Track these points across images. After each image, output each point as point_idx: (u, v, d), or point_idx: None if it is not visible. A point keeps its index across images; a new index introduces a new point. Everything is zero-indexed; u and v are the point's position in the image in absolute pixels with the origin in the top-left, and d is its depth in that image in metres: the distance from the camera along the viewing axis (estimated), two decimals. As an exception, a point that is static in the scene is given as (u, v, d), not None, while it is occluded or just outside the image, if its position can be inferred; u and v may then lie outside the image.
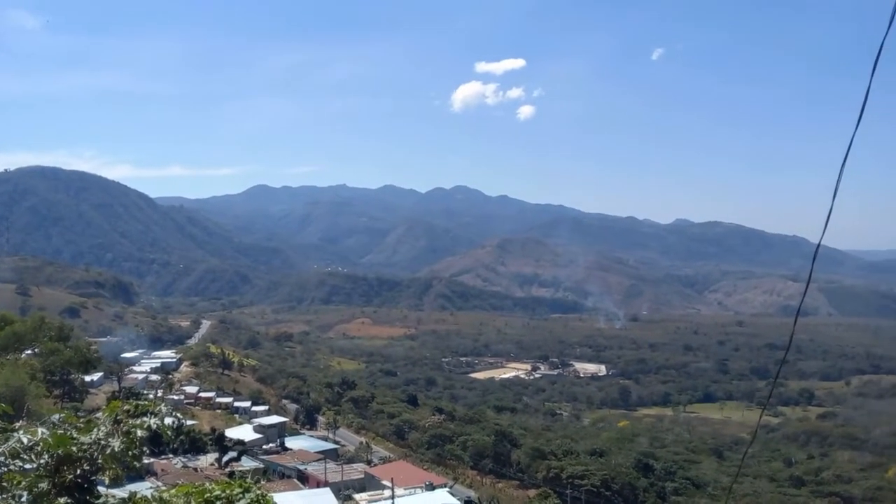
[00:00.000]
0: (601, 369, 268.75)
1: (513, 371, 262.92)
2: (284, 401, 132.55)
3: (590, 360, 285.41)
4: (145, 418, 7.60)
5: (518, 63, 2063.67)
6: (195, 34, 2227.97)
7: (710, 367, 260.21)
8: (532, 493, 78.64)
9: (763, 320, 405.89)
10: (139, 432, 7.39)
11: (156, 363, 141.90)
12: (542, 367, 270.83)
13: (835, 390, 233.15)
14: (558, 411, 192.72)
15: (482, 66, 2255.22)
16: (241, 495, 7.63)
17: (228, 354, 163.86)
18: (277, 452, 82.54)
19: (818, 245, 9.27)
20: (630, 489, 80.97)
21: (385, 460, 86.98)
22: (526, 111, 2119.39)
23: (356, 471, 74.08)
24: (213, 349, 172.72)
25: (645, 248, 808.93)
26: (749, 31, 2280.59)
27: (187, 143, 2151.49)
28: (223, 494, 7.56)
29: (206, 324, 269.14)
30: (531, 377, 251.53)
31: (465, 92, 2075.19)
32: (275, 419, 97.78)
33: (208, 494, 7.55)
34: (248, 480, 8.74)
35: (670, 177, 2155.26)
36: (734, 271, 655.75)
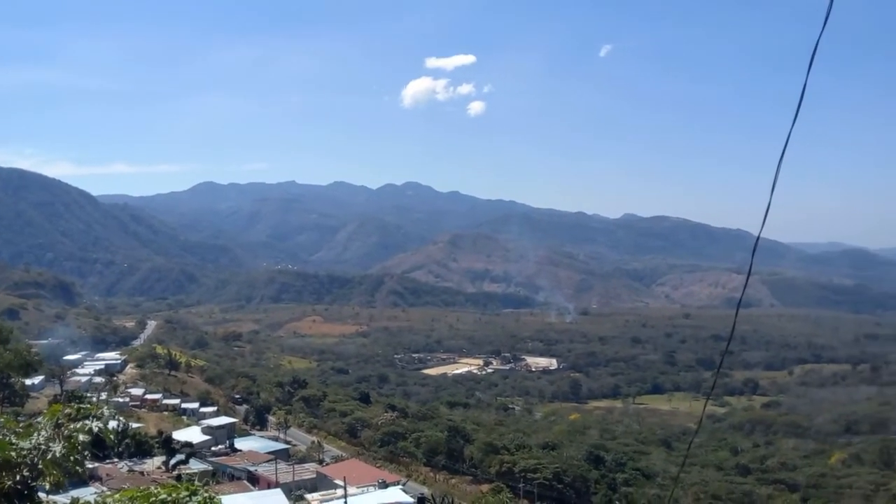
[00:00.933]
0: (552, 363, 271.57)
1: (465, 366, 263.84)
2: (233, 402, 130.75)
3: (541, 355, 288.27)
4: (87, 422, 7.41)
5: (468, 59, 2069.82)
6: (137, 28, 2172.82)
7: (658, 359, 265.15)
8: (485, 487, 79.05)
9: (708, 312, 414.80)
10: (81, 436, 7.20)
11: (99, 365, 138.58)
12: (494, 362, 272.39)
13: (778, 380, 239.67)
14: (511, 406, 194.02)
15: (432, 62, 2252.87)
16: (188, 498, 7.49)
17: (175, 355, 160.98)
18: (227, 454, 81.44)
19: (757, 238, 9.53)
20: (582, 481, 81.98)
21: (337, 459, 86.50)
22: (476, 107, 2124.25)
23: (308, 471, 73.57)
24: (159, 350, 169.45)
25: (594, 242, 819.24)
26: (696, 28, 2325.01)
27: (131, 139, 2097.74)
28: (169, 498, 7.41)
29: (151, 324, 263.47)
30: (483, 372, 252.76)
31: (416, 87, 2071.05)
32: (224, 420, 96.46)
33: (154, 499, 7.39)
34: (196, 483, 8.57)
35: (619, 172, 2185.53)
36: (681, 265, 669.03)
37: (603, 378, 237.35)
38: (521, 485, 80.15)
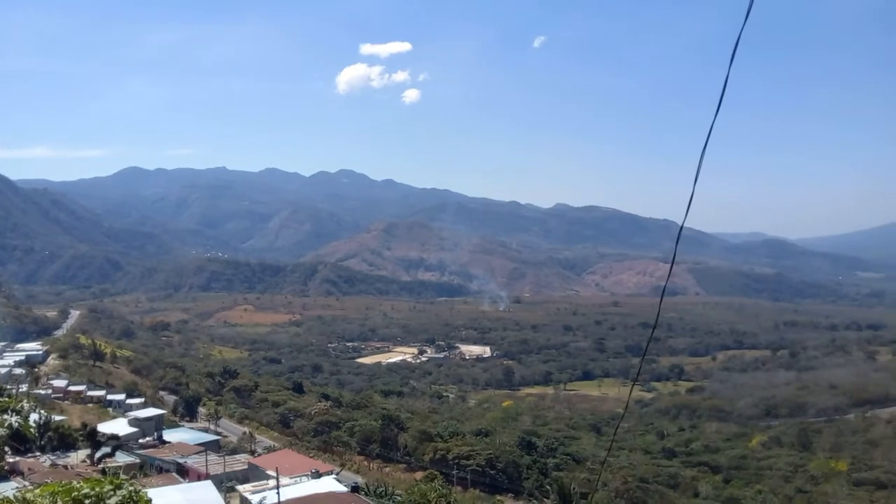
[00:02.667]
0: (486, 351, 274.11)
1: (400, 355, 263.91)
2: (162, 392, 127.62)
3: (475, 343, 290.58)
4: (6, 416, 7.09)
5: (404, 46, 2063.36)
6: (60, 7, 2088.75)
7: (589, 346, 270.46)
8: (419, 475, 79.37)
9: (637, 300, 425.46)
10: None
11: (20, 356, 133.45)
12: (428, 351, 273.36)
13: (702, 365, 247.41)
14: (445, 393, 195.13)
15: (367, 49, 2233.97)
16: (112, 492, 7.26)
17: (100, 345, 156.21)
18: (155, 446, 79.44)
19: (681, 229, 9.80)
20: (514, 467, 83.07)
21: (269, 450, 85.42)
22: (412, 95, 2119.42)
23: (239, 462, 72.34)
24: (83, 340, 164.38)
25: (527, 231, 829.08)
26: (628, 22, 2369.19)
27: (53, 123, 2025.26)
28: (92, 492, 7.17)
29: (74, 314, 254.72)
30: (418, 361, 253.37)
31: (350, 74, 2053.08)
32: (151, 412, 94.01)
33: (76, 493, 7.14)
34: (122, 476, 8.33)
35: (552, 162, 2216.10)
36: (611, 254, 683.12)
37: (535, 365, 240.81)
38: (454, 471, 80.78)
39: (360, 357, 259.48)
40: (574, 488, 51.30)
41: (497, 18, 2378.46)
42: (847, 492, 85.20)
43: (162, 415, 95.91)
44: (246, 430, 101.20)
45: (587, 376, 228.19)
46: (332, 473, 66.09)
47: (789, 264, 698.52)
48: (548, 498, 50.90)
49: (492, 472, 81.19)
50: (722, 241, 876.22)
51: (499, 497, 77.52)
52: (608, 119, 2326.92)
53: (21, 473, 53.65)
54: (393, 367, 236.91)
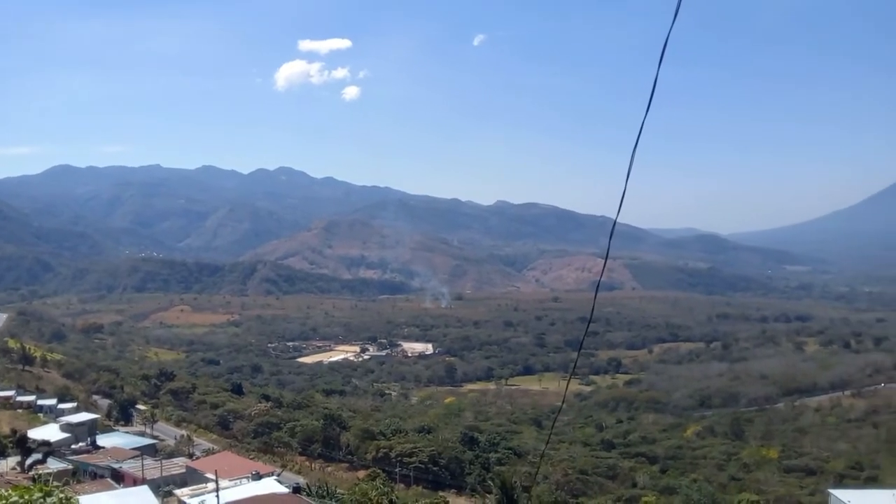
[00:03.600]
0: (428, 348, 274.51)
1: (341, 354, 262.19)
2: (95, 396, 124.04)
3: (417, 340, 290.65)
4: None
5: (344, 43, 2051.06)
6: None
7: (529, 341, 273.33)
8: (362, 474, 79.15)
9: (576, 295, 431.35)
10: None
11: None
12: (370, 349, 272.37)
13: (639, 358, 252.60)
14: (387, 391, 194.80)
15: (306, 45, 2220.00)
16: (41, 499, 7.10)
17: (29, 349, 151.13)
18: (88, 451, 77.39)
19: (614, 224, 10.07)
20: (457, 463, 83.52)
21: (208, 452, 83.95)
22: (352, 92, 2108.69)
23: (177, 465, 71.08)
24: (11, 344, 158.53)
25: (468, 228, 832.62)
26: (565, 20, 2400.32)
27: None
28: (21, 500, 7.00)
29: (2, 317, 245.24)
30: (360, 359, 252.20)
31: (289, 70, 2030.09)
32: (84, 416, 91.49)
33: (3, 501, 6.97)
34: (52, 483, 8.16)
35: (491, 159, 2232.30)
36: (550, 250, 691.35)
37: (477, 361, 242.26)
38: (397, 469, 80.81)
39: (301, 357, 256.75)
40: (516, 482, 51.86)
41: (437, 16, 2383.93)
42: (778, 478, 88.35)
43: (95, 419, 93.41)
44: (184, 432, 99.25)
45: (528, 371, 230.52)
46: (272, 475, 65.50)
47: (721, 259, 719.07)
48: (490, 492, 51.37)
49: (434, 468, 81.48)
50: (657, 236, 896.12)
51: (441, 493, 77.81)
52: (547, 116, 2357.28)
53: (-55, 484, 51.54)
54: (335, 366, 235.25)
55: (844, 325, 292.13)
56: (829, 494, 48.05)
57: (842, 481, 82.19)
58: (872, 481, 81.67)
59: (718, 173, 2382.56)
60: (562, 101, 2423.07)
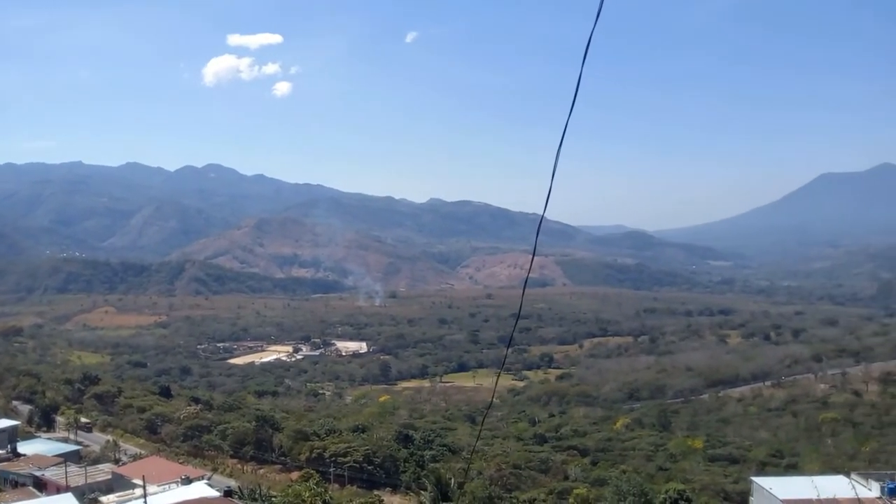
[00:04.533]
0: (362, 346, 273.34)
1: (274, 354, 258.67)
2: (15, 402, 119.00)
3: (351, 339, 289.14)
4: None
5: (275, 38, 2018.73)
6: None
7: (463, 338, 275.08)
8: (295, 475, 78.34)
9: (509, 292, 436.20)
10: None
11: None
12: (303, 348, 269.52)
13: (570, 353, 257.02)
14: (321, 391, 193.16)
15: (235, 39, 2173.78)
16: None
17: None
18: (9, 459, 74.71)
19: (540, 222, 10.35)
20: (391, 461, 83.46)
21: (136, 458, 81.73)
22: (283, 88, 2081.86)
23: (103, 472, 69.13)
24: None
25: (402, 226, 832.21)
26: (497, 20, 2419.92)
27: None
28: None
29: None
30: (293, 359, 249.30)
31: (218, 65, 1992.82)
32: (4, 423, 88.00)
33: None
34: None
35: (425, 157, 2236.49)
36: (483, 247, 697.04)
37: (411, 359, 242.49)
38: (331, 469, 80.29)
39: (231, 358, 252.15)
40: (450, 478, 52.21)
41: (370, 12, 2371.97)
42: (703, 468, 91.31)
43: (16, 426, 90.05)
44: (109, 438, 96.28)
45: (462, 368, 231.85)
46: (203, 479, 64.54)
47: (649, 255, 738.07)
48: (424, 490, 51.59)
49: (369, 467, 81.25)
50: (587, 233, 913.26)
51: (376, 492, 77.69)
52: (479, 114, 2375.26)
53: None
54: (267, 367, 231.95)
55: (765, 318, 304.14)
56: (751, 482, 49.95)
57: (764, 469, 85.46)
58: (792, 468, 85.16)
59: (645, 172, 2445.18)
60: (493, 99, 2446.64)
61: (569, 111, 8.90)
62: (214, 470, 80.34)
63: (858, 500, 36.73)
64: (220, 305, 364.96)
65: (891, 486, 40.30)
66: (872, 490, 41.00)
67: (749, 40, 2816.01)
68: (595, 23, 8.34)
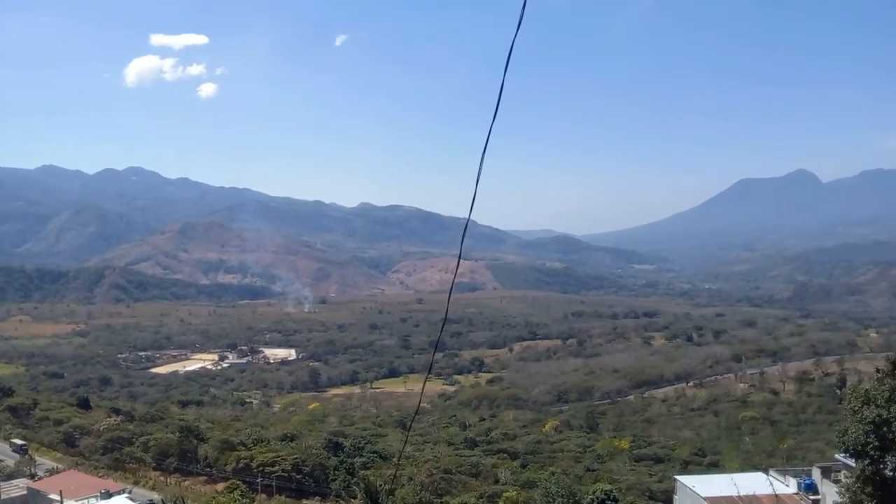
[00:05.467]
0: (291, 353, 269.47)
1: (199, 362, 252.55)
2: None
3: (280, 346, 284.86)
4: None
5: (200, 39, 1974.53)
6: None
7: (394, 343, 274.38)
8: (221, 486, 76.54)
9: (440, 297, 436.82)
10: None
11: None
12: (230, 356, 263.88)
13: (501, 357, 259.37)
14: (248, 400, 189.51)
15: (159, 39, 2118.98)
16: None
17: None
18: (-89, 479, 70.41)
19: (465, 226, 10.28)
20: (321, 469, 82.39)
21: (52, 472, 78.42)
22: (208, 89, 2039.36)
23: (17, 487, 66.25)
24: None
25: (332, 231, 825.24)
26: (424, 25, 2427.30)
27: None
28: None
29: None
30: (219, 367, 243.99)
31: (141, 66, 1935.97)
32: None
33: None
34: None
35: (355, 161, 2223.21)
36: (414, 252, 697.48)
37: (342, 365, 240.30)
38: (259, 479, 78.75)
39: (154, 367, 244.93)
40: (381, 485, 51.87)
41: (299, 14, 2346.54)
42: (629, 467, 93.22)
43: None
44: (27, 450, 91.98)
45: (393, 373, 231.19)
46: (124, 492, 62.77)
47: (576, 259, 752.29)
48: (355, 497, 51.12)
49: (298, 476, 80.00)
50: (516, 238, 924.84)
51: (305, 501, 76.73)
52: (409, 118, 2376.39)
53: None
54: (191, 376, 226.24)
55: (687, 320, 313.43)
56: (675, 481, 51.09)
57: (687, 467, 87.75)
58: (714, 466, 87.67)
59: (571, 177, 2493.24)
60: (424, 102, 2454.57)
61: (493, 116, 8.83)
62: (136, 483, 77.83)
63: (776, 496, 38.01)
64: (142, 313, 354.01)
65: (807, 482, 41.80)
66: (790, 486, 42.48)
67: (671, 48, 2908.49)
68: (517, 29, 8.28)
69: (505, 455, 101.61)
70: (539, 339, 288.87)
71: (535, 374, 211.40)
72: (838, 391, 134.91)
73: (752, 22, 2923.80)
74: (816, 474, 42.08)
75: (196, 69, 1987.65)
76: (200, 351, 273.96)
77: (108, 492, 59.63)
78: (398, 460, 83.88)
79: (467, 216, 9.89)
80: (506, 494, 61.85)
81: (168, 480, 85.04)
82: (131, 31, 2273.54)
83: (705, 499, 40.75)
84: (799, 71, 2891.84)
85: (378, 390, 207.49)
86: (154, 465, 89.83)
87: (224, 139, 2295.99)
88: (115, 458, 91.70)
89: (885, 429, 27.16)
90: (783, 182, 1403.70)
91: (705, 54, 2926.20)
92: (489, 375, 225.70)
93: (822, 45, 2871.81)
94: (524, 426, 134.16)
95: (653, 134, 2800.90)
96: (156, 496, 68.39)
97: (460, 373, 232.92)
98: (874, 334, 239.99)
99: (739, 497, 37.40)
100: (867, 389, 29.95)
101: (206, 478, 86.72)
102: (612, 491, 51.05)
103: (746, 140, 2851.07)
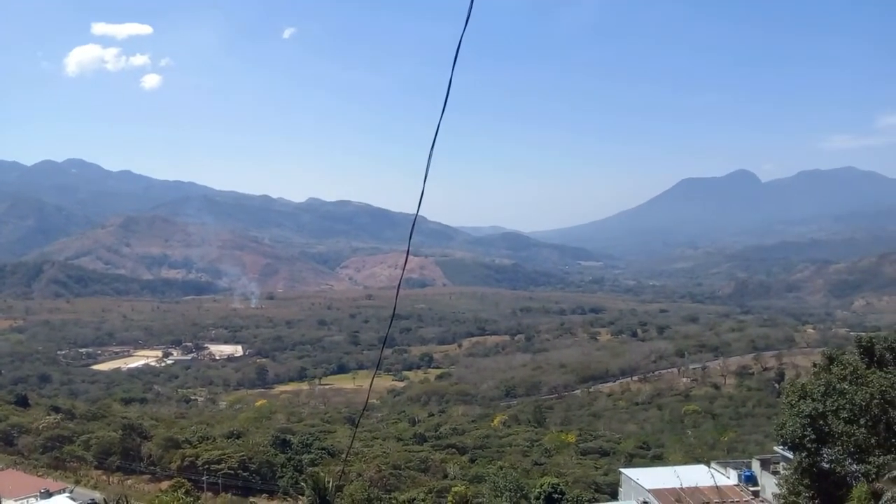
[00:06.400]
0: (238, 350, 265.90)
1: (142, 359, 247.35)
2: None
3: (226, 342, 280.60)
4: None
5: (144, 29, 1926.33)
6: None
7: (343, 339, 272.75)
8: (165, 484, 75.28)
9: (389, 293, 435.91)
10: None
11: None
12: (174, 353, 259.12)
13: (450, 353, 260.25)
14: (193, 397, 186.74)
15: (101, 28, 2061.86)
16: None
17: None
18: None
19: (413, 222, 10.47)
20: (268, 466, 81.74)
21: (-12, 472, 76.08)
22: (152, 80, 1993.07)
23: (-50, 489, 63.89)
24: None
25: (280, 226, 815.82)
26: (373, 20, 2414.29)
27: None
28: None
29: None
30: (163, 364, 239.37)
31: (82, 55, 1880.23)
32: None
33: None
34: None
35: (303, 156, 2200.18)
36: (363, 247, 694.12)
37: (290, 362, 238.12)
38: (204, 477, 77.74)
39: (96, 364, 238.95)
40: (329, 482, 51.69)
41: (247, 6, 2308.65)
42: (576, 461, 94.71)
43: None
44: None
45: (342, 370, 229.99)
46: (64, 491, 61.51)
47: (524, 255, 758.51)
48: (303, 494, 50.86)
49: (245, 474, 79.23)
50: (466, 234, 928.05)
51: (252, 499, 76.03)
52: (359, 113, 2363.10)
53: None
54: (135, 373, 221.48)
55: (632, 316, 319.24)
56: (620, 473, 52.11)
57: (632, 461, 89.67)
58: (658, 459, 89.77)
59: (522, 177, 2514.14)
60: (373, 97, 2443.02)
61: (440, 114, 8.94)
62: (77, 482, 76.14)
63: (718, 487, 39.15)
64: (83, 309, 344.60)
65: (747, 473, 43.13)
66: (731, 478, 43.76)
67: (614, 52, 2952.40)
68: (464, 27, 8.41)
69: (454, 450, 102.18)
70: (488, 334, 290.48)
71: (483, 370, 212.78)
72: (777, 385, 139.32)
73: (690, 27, 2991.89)
74: (756, 466, 43.45)
75: (140, 60, 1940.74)
76: (144, 347, 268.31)
77: (49, 491, 58.30)
78: (346, 456, 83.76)
79: (415, 212, 10.06)
80: (454, 489, 62.19)
81: (110, 479, 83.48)
82: (72, 18, 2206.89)
83: (649, 491, 41.69)
84: (737, 74, 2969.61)
85: (326, 387, 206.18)
86: (96, 463, 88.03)
87: (168, 131, 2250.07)
88: (55, 457, 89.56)
89: (821, 422, 28.30)
90: (724, 182, 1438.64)
91: (647, 57, 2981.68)
92: (438, 371, 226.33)
93: (759, 49, 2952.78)
94: (473, 421, 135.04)
95: (598, 134, 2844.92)
96: (98, 495, 67.04)
97: (409, 368, 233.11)
98: (811, 330, 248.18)
99: (682, 489, 38.44)
100: (804, 384, 31.16)
101: (149, 476, 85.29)
102: (558, 484, 51.76)
103: (690, 141, 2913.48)
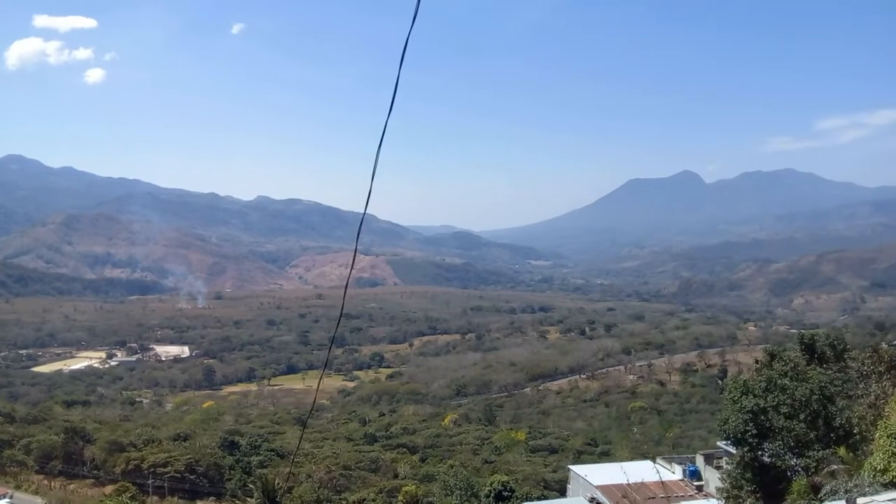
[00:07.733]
0: (184, 351, 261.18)
1: (85, 360, 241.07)
2: None
3: (172, 342, 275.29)
4: None
5: (88, 22, 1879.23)
6: None
7: (293, 339, 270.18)
8: (109, 489, 73.72)
9: (339, 292, 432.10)
10: None
11: None
12: (118, 354, 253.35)
13: (401, 352, 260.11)
14: (138, 399, 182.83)
15: (43, 21, 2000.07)
16: None
17: None
18: None
19: (361, 222, 10.55)
20: (216, 469, 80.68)
21: (-78, 480, 73.61)
22: (96, 75, 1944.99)
23: None
24: None
25: (227, 224, 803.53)
26: (323, 17, 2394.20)
27: None
28: None
29: None
30: (106, 366, 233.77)
31: (22, 48, 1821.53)
32: None
33: None
34: None
35: (251, 153, 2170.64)
36: (313, 246, 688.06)
37: (238, 362, 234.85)
38: (150, 481, 76.34)
39: (36, 366, 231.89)
40: (278, 483, 51.28)
41: (195, 1, 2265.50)
42: (525, 458, 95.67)
43: None
44: None
45: (292, 370, 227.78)
46: (3, 497, 59.77)
47: (475, 254, 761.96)
48: (251, 496, 50.34)
49: (192, 477, 78.04)
50: (416, 233, 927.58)
51: (199, 502, 74.99)
52: (308, 110, 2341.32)
53: None
54: (77, 375, 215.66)
55: (581, 315, 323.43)
56: (569, 470, 52.96)
57: (580, 457, 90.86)
58: (606, 455, 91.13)
59: (473, 177, 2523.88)
60: (322, 95, 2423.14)
61: (388, 111, 9.07)
62: (17, 487, 74.02)
63: (663, 482, 40.07)
64: (23, 309, 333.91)
65: (691, 468, 44.28)
66: (676, 473, 44.88)
67: (564, 50, 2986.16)
68: (412, 23, 8.41)
69: (405, 449, 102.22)
70: (439, 333, 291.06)
71: (434, 369, 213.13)
72: (720, 382, 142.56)
73: (637, 28, 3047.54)
74: (700, 461, 44.64)
75: (83, 53, 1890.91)
76: (87, 348, 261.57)
77: (-14, 498, 56.56)
78: (294, 458, 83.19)
79: (371, 212, 10.13)
80: (405, 489, 62.32)
81: (52, 484, 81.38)
82: (12, 9, 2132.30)
83: (597, 487, 42.50)
84: (682, 74, 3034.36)
85: (276, 387, 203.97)
86: (37, 468, 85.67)
87: (112, 127, 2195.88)
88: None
89: (762, 417, 29.20)
90: (670, 182, 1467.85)
91: (596, 56, 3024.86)
92: (389, 370, 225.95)
93: (703, 50, 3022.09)
94: (424, 420, 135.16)
95: (549, 130, 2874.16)
96: (39, 500, 65.55)
97: (360, 368, 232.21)
98: (752, 328, 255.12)
99: (629, 484, 39.29)
100: (746, 380, 32.12)
101: (93, 480, 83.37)
102: (508, 482, 52.29)
103: (636, 141, 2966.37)
